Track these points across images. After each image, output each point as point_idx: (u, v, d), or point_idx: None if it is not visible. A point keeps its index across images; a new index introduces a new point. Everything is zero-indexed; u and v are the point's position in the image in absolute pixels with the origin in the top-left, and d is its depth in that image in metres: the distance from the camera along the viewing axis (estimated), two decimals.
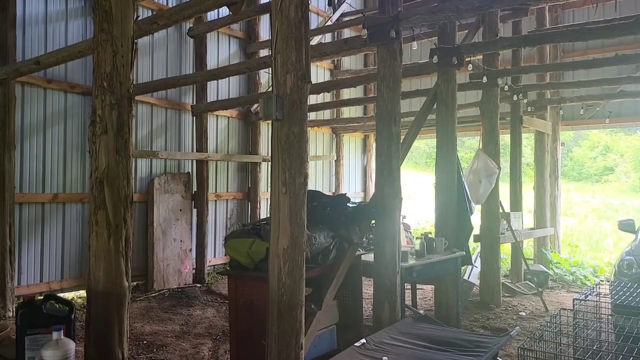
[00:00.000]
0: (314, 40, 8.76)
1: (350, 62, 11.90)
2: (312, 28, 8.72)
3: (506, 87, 6.98)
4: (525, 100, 7.98)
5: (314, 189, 9.01)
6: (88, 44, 4.96)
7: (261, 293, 3.76)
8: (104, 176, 2.44)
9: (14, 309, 5.90)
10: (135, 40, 2.65)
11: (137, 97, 7.23)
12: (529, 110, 8.52)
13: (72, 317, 2.18)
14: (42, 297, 2.21)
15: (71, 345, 1.99)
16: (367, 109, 12.24)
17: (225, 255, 8.84)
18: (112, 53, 2.44)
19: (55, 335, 1.96)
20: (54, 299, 2.23)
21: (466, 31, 6.81)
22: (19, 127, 6.19)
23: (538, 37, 5.96)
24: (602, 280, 4.71)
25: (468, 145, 22.80)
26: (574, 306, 3.69)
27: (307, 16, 3.30)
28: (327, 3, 10.51)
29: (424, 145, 25.17)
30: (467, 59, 5.78)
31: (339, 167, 11.71)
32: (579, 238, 12.20)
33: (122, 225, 2.49)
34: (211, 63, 8.46)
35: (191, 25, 8.24)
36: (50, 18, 6.54)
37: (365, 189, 12.62)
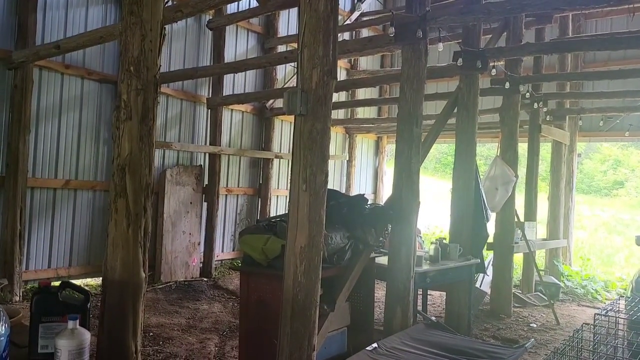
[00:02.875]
0: None
1: (367, 63, 11.81)
2: None
3: (527, 94, 6.87)
4: (544, 109, 7.86)
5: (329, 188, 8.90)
6: (109, 30, 4.91)
7: (274, 291, 3.69)
8: (126, 163, 2.38)
9: (21, 294, 5.87)
10: (164, 26, 2.58)
11: None
12: (547, 119, 8.39)
13: (88, 306, 2.11)
14: (58, 284, 2.14)
15: (87, 335, 1.91)
16: (381, 110, 12.15)
17: (234, 250, 8.81)
18: (140, 37, 2.37)
19: (70, 324, 1.89)
20: (70, 286, 2.16)
21: (488, 36, 6.71)
22: (34, 111, 6.16)
23: (565, 44, 5.85)
24: (622, 296, 4.60)
25: (478, 152, 22.63)
26: (594, 321, 3.59)
27: (336, 10, 3.22)
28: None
29: (434, 150, 25.01)
30: (490, 64, 5.68)
31: (351, 167, 11.63)
32: (590, 251, 12.04)
33: (142, 214, 2.42)
34: (229, 56, 8.41)
35: (211, 17, 8.18)
36: (71, 3, 6.50)
37: (375, 191, 12.54)
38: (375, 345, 3.80)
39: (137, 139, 2.39)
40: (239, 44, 8.86)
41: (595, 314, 3.60)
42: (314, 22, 3.17)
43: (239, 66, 6.63)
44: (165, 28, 2.55)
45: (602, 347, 3.47)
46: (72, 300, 2.11)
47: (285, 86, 9.23)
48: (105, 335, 2.41)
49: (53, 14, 6.34)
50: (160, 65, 2.49)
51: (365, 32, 10.85)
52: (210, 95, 8.29)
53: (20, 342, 2.11)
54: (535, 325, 6.31)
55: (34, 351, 2.03)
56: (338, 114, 10.96)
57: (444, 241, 5.38)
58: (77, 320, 1.92)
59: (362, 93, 11.29)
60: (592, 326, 3.42)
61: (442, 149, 24.38)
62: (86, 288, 6.25)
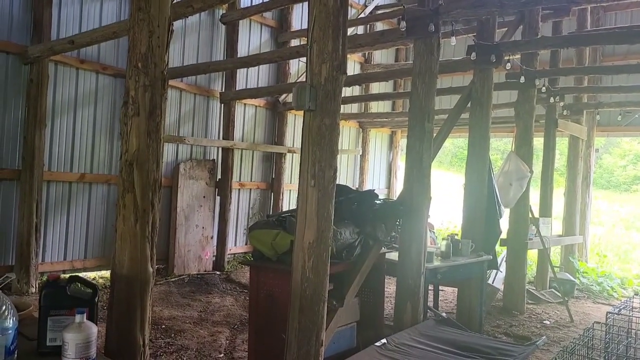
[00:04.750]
0: (347, 32, 8.62)
1: (381, 57, 11.73)
2: None
3: (543, 88, 6.76)
4: (561, 104, 7.73)
5: (339, 183, 8.90)
6: (123, 25, 4.94)
7: (283, 286, 3.70)
8: (133, 159, 2.40)
9: (37, 286, 5.98)
10: (172, 22, 2.59)
11: None
12: (564, 114, 8.26)
13: (96, 300, 2.13)
14: (66, 278, 2.17)
15: (94, 329, 1.94)
16: (395, 104, 12.08)
17: (247, 244, 8.86)
18: (148, 33, 2.38)
19: (78, 318, 1.91)
20: (78, 280, 2.19)
21: (504, 29, 6.61)
22: (50, 105, 6.24)
23: (582, 38, 5.74)
24: (637, 294, 4.53)
25: (495, 147, 22.37)
26: (607, 319, 3.54)
27: (346, 5, 3.20)
28: None
29: (450, 144, 24.81)
30: (505, 58, 5.60)
31: (364, 162, 11.59)
32: (607, 248, 11.86)
33: (150, 210, 2.44)
34: (242, 51, 8.42)
35: (224, 12, 8.20)
36: None
37: (389, 186, 12.49)
38: (384, 340, 3.80)
39: (145, 134, 2.40)
40: (252, 38, 8.86)
41: (607, 312, 3.56)
42: (324, 17, 3.15)
43: (251, 61, 6.63)
44: (173, 24, 2.55)
45: (615, 346, 3.43)
46: (80, 294, 2.14)
47: (298, 81, 9.22)
48: (113, 328, 2.44)
49: (68, 10, 6.40)
50: (167, 62, 2.49)
51: (379, 26, 10.78)
52: (223, 90, 8.32)
53: (30, 335, 2.15)
54: (548, 323, 6.25)
55: (43, 344, 2.06)
56: (352, 108, 10.92)
57: (456, 237, 5.33)
58: (85, 314, 1.95)
59: (376, 87, 11.23)
60: (604, 325, 3.38)
61: (459, 144, 24.15)
62: (94, 282, 6.36)
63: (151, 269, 2.48)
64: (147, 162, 2.42)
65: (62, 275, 2.18)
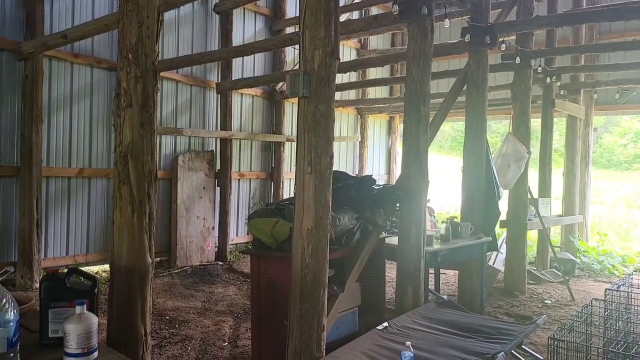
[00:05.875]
0: (342, 18, 8.59)
1: (377, 42, 11.67)
2: (340, 5, 8.54)
3: (539, 69, 6.74)
4: (558, 83, 7.71)
5: (338, 169, 8.90)
6: (114, 18, 4.91)
7: (283, 273, 3.72)
8: (128, 150, 2.40)
9: (40, 281, 6.02)
10: (161, 13, 2.57)
11: (163, 74, 7.22)
12: (561, 94, 8.23)
13: (96, 291, 2.16)
14: (65, 271, 2.19)
15: (94, 319, 1.96)
16: (393, 89, 12.04)
17: (248, 234, 8.89)
18: (137, 24, 2.38)
19: (78, 309, 1.94)
20: (77, 272, 2.21)
21: (499, 10, 6.57)
22: (46, 101, 6.24)
23: (577, 16, 5.70)
24: (635, 271, 4.55)
25: (494, 129, 22.34)
26: (605, 296, 3.57)
27: None
28: None
29: (450, 128, 24.78)
30: (500, 39, 5.57)
31: (363, 148, 11.59)
32: (608, 227, 11.90)
33: (146, 201, 2.46)
34: (237, 40, 8.39)
35: (217, 1, 8.14)
36: None
37: (389, 172, 12.49)
38: (385, 324, 3.83)
39: (139, 126, 2.41)
40: (247, 27, 8.82)
41: (606, 289, 3.58)
42: (315, 3, 3.14)
43: (245, 50, 6.61)
44: (162, 14, 2.54)
45: (614, 322, 3.46)
46: (80, 286, 2.16)
47: (294, 69, 9.19)
48: (114, 319, 2.47)
49: (60, 4, 6.37)
50: (158, 52, 2.49)
51: (374, 10, 10.70)
52: (219, 80, 8.30)
53: (33, 327, 2.18)
54: (549, 302, 6.29)
55: (45, 335, 2.09)
56: (349, 94, 10.90)
57: (455, 220, 5.35)
58: (85, 305, 1.97)
59: (373, 73, 11.18)
60: (602, 301, 3.41)
61: (458, 127, 24.09)
62: (95, 273, 6.42)
63: (150, 259, 2.50)
64: (142, 153, 2.42)
65: (61, 270, 2.20)
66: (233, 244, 8.67)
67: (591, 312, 3.25)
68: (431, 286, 5.73)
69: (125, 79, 2.40)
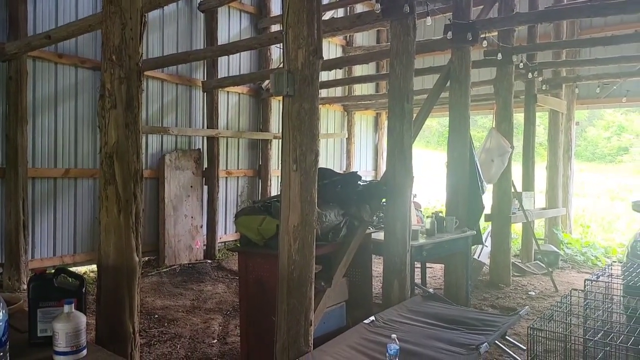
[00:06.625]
0: (326, 16, 8.62)
1: (363, 39, 11.73)
2: (324, 3, 8.58)
3: (521, 64, 6.84)
4: (540, 78, 7.83)
5: (324, 166, 8.97)
6: (98, 18, 4.91)
7: (271, 270, 3.77)
8: (113, 151, 2.43)
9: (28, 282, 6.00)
10: (145, 14, 2.60)
11: (148, 73, 7.21)
12: (543, 89, 8.36)
13: (83, 290, 2.19)
14: (53, 271, 2.22)
15: (82, 318, 2.00)
16: (379, 86, 12.10)
17: (236, 232, 8.91)
18: (120, 26, 2.40)
19: (66, 308, 1.97)
20: (65, 272, 2.24)
21: (481, 7, 6.65)
22: (30, 102, 6.21)
23: (556, 13, 5.80)
24: (615, 262, 4.66)
25: (481, 124, 22.55)
26: (585, 287, 3.66)
27: None
28: None
29: (437, 123, 24.94)
30: (482, 36, 5.65)
31: (350, 145, 11.65)
32: (591, 219, 12.10)
33: (132, 200, 2.49)
34: (222, 38, 8.39)
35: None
36: None
37: (376, 168, 12.58)
38: (372, 318, 3.89)
39: (123, 126, 2.44)
40: (232, 26, 8.82)
41: (585, 279, 3.67)
42: (297, 2, 3.18)
43: (230, 48, 6.62)
44: (146, 16, 2.57)
45: (595, 312, 3.55)
46: (68, 286, 2.19)
47: (279, 67, 9.20)
48: (102, 318, 2.50)
49: (43, 4, 6.34)
50: (141, 54, 2.52)
51: (359, 8, 10.74)
52: (205, 79, 8.30)
53: (22, 327, 2.21)
54: (533, 293, 6.41)
55: (34, 335, 2.12)
56: (335, 91, 10.94)
57: (440, 215, 5.44)
58: (73, 304, 2.00)
59: (359, 70, 11.24)
60: (581, 292, 3.50)
61: (445, 122, 24.18)
62: (82, 273, 6.41)
63: (137, 259, 2.53)
64: (127, 153, 2.45)
65: (48, 270, 2.23)
66: (222, 242, 8.70)
67: (570, 302, 3.34)
68: (418, 280, 5.82)
69: (109, 80, 2.43)
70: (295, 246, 3.21)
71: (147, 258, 7.45)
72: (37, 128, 6.37)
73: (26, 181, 6.07)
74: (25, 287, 5.92)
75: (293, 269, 3.19)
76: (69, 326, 1.95)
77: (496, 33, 6.62)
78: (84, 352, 1.99)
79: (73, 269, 6.54)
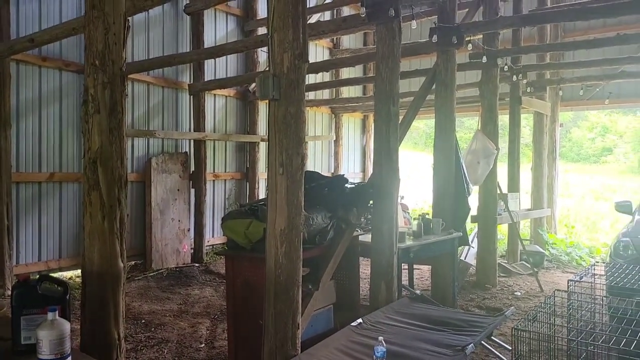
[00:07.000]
0: (313, 19, 8.64)
1: (350, 41, 11.76)
2: (310, 6, 8.60)
3: (506, 67, 6.92)
4: (524, 81, 7.92)
5: (312, 169, 8.97)
6: (82, 21, 4.85)
7: (258, 273, 3.76)
8: (97, 156, 2.42)
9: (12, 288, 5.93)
10: (129, 18, 2.59)
11: (133, 76, 7.16)
12: (528, 91, 8.46)
13: (67, 297, 2.17)
14: (37, 277, 2.20)
15: (66, 325, 1.99)
16: (366, 88, 12.14)
17: (224, 235, 8.87)
18: (103, 30, 2.39)
19: (50, 315, 1.96)
20: (48, 279, 2.22)
21: (466, 10, 6.72)
22: (14, 105, 6.14)
23: (539, 17, 5.88)
24: (598, 262, 4.73)
25: (467, 125, 22.74)
26: (568, 287, 3.70)
27: None
28: None
29: (424, 125, 25.08)
30: (467, 39, 5.71)
31: (338, 147, 11.67)
32: (576, 219, 12.25)
33: (117, 206, 2.47)
34: (208, 41, 8.36)
35: (188, 2, 8.11)
36: None
37: (364, 169, 12.61)
38: (360, 320, 3.90)
39: (107, 131, 2.42)
40: (218, 28, 8.80)
41: (568, 280, 3.72)
42: (282, 6, 3.19)
43: (216, 51, 6.61)
44: (129, 20, 2.56)
45: (579, 312, 3.59)
46: (52, 292, 2.18)
47: (267, 69, 9.19)
48: (87, 324, 2.48)
49: (27, 7, 6.27)
50: (125, 58, 2.51)
51: (346, 11, 10.78)
52: (191, 81, 8.27)
53: (5, 335, 2.19)
54: (519, 294, 6.47)
55: (18, 343, 2.11)
56: (323, 94, 10.96)
57: (427, 216, 5.47)
58: (57, 312, 1.99)
59: (346, 72, 11.27)
60: (565, 292, 3.54)
61: (432, 124, 24.36)
62: (68, 279, 6.34)
63: (122, 264, 2.52)
64: (111, 159, 2.44)
65: (32, 276, 2.21)
66: (209, 245, 8.66)
67: (554, 302, 3.38)
68: (405, 282, 5.85)
69: (92, 85, 2.41)
70: (282, 250, 3.21)
71: (133, 262, 7.40)
72: (21, 132, 6.30)
73: (10, 186, 6.00)
74: (9, 293, 5.86)
75: (280, 272, 3.20)
76: (53, 333, 1.94)
77: (481, 36, 6.69)
78: (69, 359, 1.98)
79: (59, 274, 6.48)
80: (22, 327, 2.11)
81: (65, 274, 6.69)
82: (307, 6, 3.39)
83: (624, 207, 6.09)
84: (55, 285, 2.22)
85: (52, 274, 5.66)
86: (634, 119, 24.03)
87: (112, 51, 2.42)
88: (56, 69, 6.60)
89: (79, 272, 6.82)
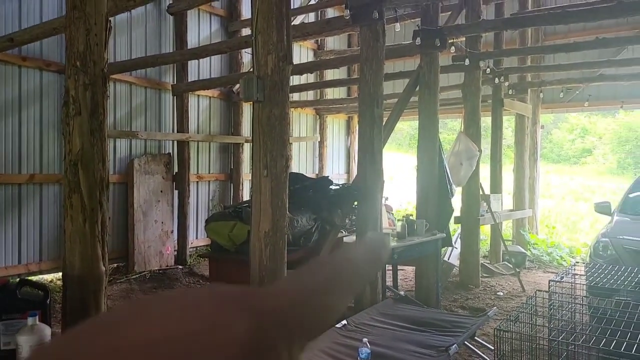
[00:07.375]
0: (297, 20, 8.64)
1: (334, 42, 11.78)
2: (294, 7, 8.60)
3: (488, 70, 7.00)
4: (506, 83, 8.02)
5: (296, 171, 8.96)
6: (63, 21, 4.80)
7: (242, 276, 3.75)
8: (78, 159, 2.39)
9: None
10: (110, 18, 2.57)
11: (116, 76, 7.08)
12: (510, 93, 8.57)
13: (48, 301, 2.14)
14: (16, 281, 2.17)
15: (47, 330, 1.96)
16: (350, 90, 12.18)
17: (207, 237, 8.82)
18: (85, 31, 2.36)
19: (30, 321, 1.93)
20: (28, 283, 2.19)
21: (449, 13, 6.78)
22: None
23: (520, 20, 5.97)
24: (578, 262, 4.80)
25: (451, 127, 22.92)
26: (549, 287, 3.76)
27: None
28: None
29: (408, 126, 25.21)
30: (450, 41, 5.76)
31: (323, 148, 11.68)
32: (557, 219, 12.42)
33: (98, 209, 2.44)
34: (192, 42, 8.30)
35: (171, 2, 8.04)
36: None
37: (348, 171, 12.64)
38: (344, 322, 3.92)
39: (88, 133, 2.39)
40: (202, 29, 8.74)
41: (549, 280, 3.77)
42: (267, 8, 3.19)
43: (200, 52, 6.57)
44: (110, 21, 2.53)
45: (560, 312, 3.65)
46: (32, 297, 2.15)
47: (250, 71, 9.16)
48: (68, 328, 2.45)
49: (6, 6, 6.16)
50: (107, 59, 2.48)
51: (330, 12, 10.80)
52: (175, 82, 8.20)
53: None
54: (501, 294, 6.54)
55: None
56: (307, 95, 10.96)
57: (411, 218, 5.51)
58: (37, 317, 1.96)
59: (330, 74, 11.28)
60: (546, 292, 3.59)
61: (415, 125, 24.51)
62: (49, 282, 6.25)
63: (103, 268, 2.49)
64: (92, 161, 2.41)
65: (11, 280, 2.17)
66: (193, 247, 8.59)
67: (535, 303, 3.43)
68: (389, 283, 5.87)
69: (73, 86, 2.38)
70: (266, 252, 3.21)
71: (115, 265, 7.31)
72: (1, 132, 6.19)
73: None
74: None
75: (265, 275, 3.19)
76: (33, 339, 1.92)
77: (464, 39, 6.75)
78: None
79: (39, 277, 6.37)
80: (1, 332, 2.07)
81: (46, 277, 6.58)
82: (291, 7, 3.39)
83: (603, 208, 6.20)
84: (36, 290, 2.19)
85: (32, 278, 5.57)
86: (612, 120, 24.49)
87: (94, 52, 2.39)
88: (37, 68, 6.50)
89: (60, 274, 6.72)
